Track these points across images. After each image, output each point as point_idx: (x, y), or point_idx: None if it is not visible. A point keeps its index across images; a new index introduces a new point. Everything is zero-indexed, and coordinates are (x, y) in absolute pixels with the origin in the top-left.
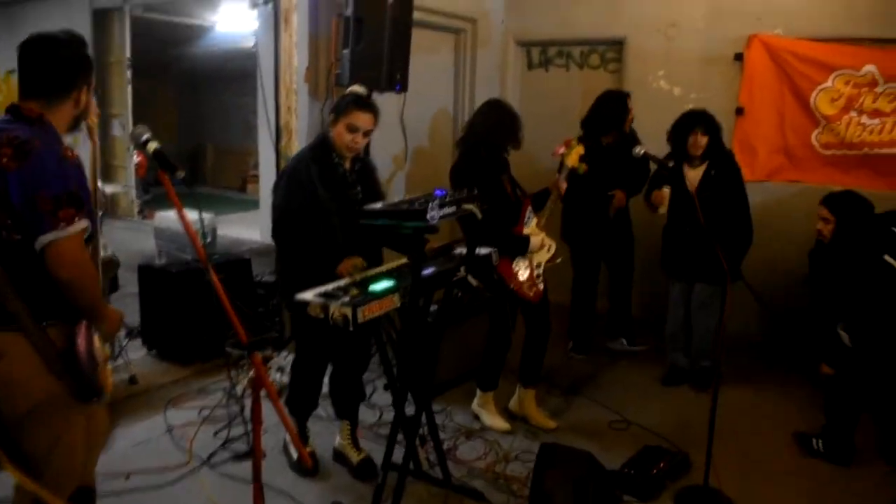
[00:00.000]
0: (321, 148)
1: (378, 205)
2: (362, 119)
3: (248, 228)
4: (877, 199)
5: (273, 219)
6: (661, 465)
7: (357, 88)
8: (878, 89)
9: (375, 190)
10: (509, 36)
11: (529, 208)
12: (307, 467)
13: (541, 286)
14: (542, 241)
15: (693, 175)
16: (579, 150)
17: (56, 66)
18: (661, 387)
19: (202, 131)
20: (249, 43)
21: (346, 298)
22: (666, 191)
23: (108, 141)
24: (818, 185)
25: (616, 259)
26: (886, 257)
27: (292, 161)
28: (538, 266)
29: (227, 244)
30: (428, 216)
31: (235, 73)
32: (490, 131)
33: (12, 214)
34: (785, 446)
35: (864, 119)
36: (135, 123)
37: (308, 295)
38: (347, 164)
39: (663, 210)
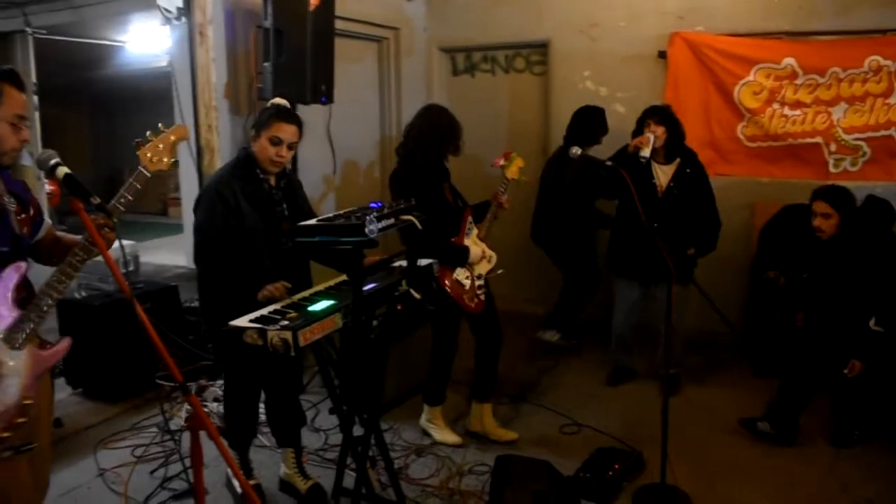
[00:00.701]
0: (244, 164)
1: (312, 221)
2: (286, 131)
3: (173, 253)
4: (802, 188)
5: (195, 240)
6: (616, 466)
7: (279, 100)
8: (798, 81)
9: (302, 206)
10: (432, 43)
11: (470, 218)
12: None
13: (482, 297)
14: (482, 252)
15: (665, 171)
16: (519, 162)
17: None
18: (606, 387)
19: (117, 155)
20: (163, 62)
21: (285, 322)
22: (649, 135)
23: (18, 171)
24: (746, 178)
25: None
26: None
27: (213, 178)
28: (479, 277)
29: (152, 271)
30: (366, 230)
31: (149, 94)
32: (427, 137)
33: None
34: (734, 437)
35: (787, 111)
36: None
37: (243, 321)
38: (273, 181)
39: (646, 153)
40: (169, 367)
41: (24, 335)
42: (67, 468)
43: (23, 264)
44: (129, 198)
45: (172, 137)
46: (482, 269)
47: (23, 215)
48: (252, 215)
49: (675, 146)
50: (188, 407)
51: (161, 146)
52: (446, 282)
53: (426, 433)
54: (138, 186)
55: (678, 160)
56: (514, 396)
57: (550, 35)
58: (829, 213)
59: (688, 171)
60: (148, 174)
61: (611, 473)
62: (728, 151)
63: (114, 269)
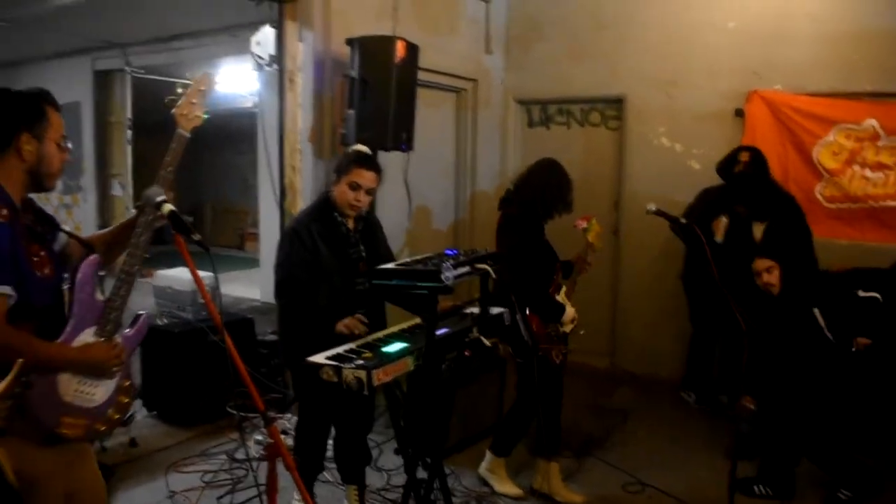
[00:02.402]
0: (323, 206)
1: (391, 265)
2: (365, 177)
3: (248, 287)
4: (883, 252)
5: (276, 277)
6: None
7: (360, 147)
8: (881, 143)
9: (380, 247)
10: (509, 95)
11: (560, 275)
12: None
13: (564, 354)
14: (573, 312)
15: (758, 230)
16: (597, 227)
17: None
18: (673, 447)
19: (200, 190)
20: (248, 103)
21: (360, 361)
22: (724, 219)
23: (108, 200)
24: (824, 239)
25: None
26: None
27: (293, 220)
28: (564, 335)
29: (228, 303)
30: (443, 276)
31: (234, 132)
32: (548, 191)
33: None
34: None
35: (868, 172)
36: (134, 183)
37: (319, 358)
38: (351, 224)
39: (719, 238)
40: (252, 396)
41: (110, 325)
42: (140, 487)
43: (95, 256)
44: (171, 168)
45: (201, 88)
46: (567, 327)
47: (41, 254)
48: (329, 257)
49: (759, 210)
50: (257, 437)
51: (193, 101)
52: (538, 332)
53: (485, 482)
54: (178, 151)
55: (768, 218)
56: (578, 450)
57: (626, 90)
58: (772, 267)
59: (776, 225)
60: (187, 135)
61: None
62: (805, 212)
63: (207, 299)
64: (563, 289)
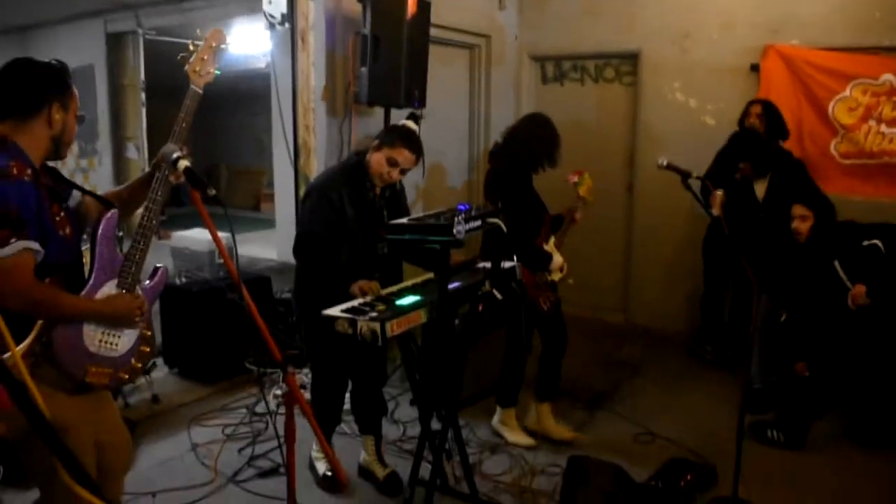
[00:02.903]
0: (355, 171)
1: (403, 220)
2: (406, 157)
3: (264, 247)
4: None
5: (297, 233)
6: (689, 477)
7: (410, 124)
8: None
9: (402, 215)
10: (523, 51)
11: (549, 226)
12: (343, 484)
13: (553, 301)
14: (561, 261)
15: (760, 186)
16: (589, 182)
17: (23, 83)
18: (680, 398)
19: (215, 151)
20: (261, 63)
21: (374, 314)
22: (719, 193)
23: (123, 163)
24: (838, 195)
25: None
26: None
27: (322, 178)
28: (552, 283)
29: (244, 263)
30: (454, 231)
31: (247, 93)
32: (533, 144)
33: None
34: (809, 453)
35: (884, 128)
36: (149, 145)
37: (335, 311)
38: (378, 190)
39: (717, 212)
40: (270, 347)
41: (131, 277)
42: (163, 441)
43: (114, 211)
44: (185, 125)
45: (213, 44)
46: (556, 276)
47: (61, 214)
48: (354, 219)
49: (760, 168)
50: (276, 391)
51: (205, 57)
52: (526, 282)
53: (498, 434)
54: (192, 107)
55: (769, 175)
56: (589, 403)
57: (641, 45)
58: (806, 215)
59: (776, 181)
60: (200, 91)
61: (683, 483)
62: (820, 167)
63: (225, 255)
64: (552, 239)
